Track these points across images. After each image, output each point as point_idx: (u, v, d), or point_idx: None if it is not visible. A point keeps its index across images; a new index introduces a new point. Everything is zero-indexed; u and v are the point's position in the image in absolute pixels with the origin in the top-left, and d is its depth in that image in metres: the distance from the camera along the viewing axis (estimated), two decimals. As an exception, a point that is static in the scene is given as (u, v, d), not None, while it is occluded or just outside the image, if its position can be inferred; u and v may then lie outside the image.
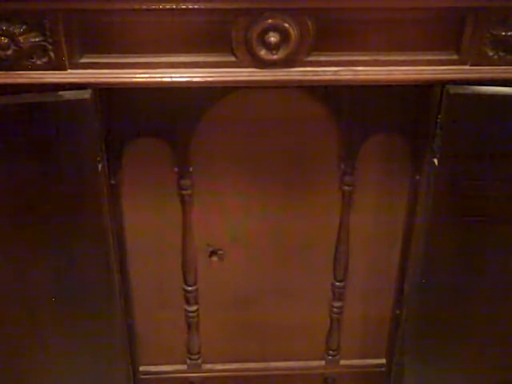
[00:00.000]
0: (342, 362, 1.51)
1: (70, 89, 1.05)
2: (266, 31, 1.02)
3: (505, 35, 1.03)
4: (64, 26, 1.00)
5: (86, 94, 1.05)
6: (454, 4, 1.01)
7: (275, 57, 1.04)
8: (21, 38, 1.00)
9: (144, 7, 0.99)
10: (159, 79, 1.06)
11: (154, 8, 1.00)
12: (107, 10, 1.00)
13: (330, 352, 1.50)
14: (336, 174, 1.25)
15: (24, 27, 1.00)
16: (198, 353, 1.48)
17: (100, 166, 1.12)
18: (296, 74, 1.06)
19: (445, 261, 1.23)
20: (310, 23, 1.02)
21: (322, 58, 1.06)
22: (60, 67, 1.03)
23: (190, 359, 1.49)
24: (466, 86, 1.07)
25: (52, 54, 1.02)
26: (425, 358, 1.36)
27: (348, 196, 1.27)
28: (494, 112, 1.09)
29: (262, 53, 1.04)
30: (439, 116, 1.10)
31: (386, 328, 1.46)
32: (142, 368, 1.49)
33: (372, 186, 1.28)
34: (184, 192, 1.25)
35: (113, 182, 1.21)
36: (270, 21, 1.01)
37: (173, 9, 1.00)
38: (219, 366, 1.51)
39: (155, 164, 1.23)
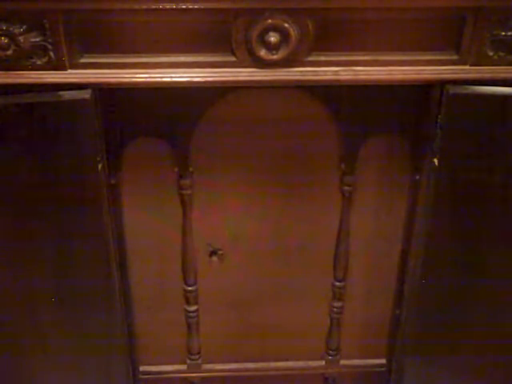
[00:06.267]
0: (342, 361, 1.51)
1: (70, 89, 1.05)
2: (266, 31, 1.02)
3: (505, 35, 1.03)
4: (64, 26, 1.00)
5: (86, 94, 1.05)
6: (454, 4, 1.01)
7: (275, 57, 1.04)
8: (21, 38, 1.00)
9: (144, 7, 0.99)
10: (159, 79, 1.06)
11: (153, 8, 1.00)
12: (107, 10, 1.00)
13: (330, 352, 1.50)
14: (336, 174, 1.25)
15: (24, 27, 1.00)
16: (198, 353, 1.48)
17: (100, 166, 1.12)
18: (296, 74, 1.06)
19: (445, 261, 1.23)
20: (309, 23, 1.02)
21: (322, 58, 1.06)
22: (60, 67, 1.03)
23: (190, 359, 1.49)
24: (466, 86, 1.07)
25: (52, 54, 1.02)
26: (425, 358, 1.36)
27: (348, 196, 1.27)
28: (494, 112, 1.09)
29: (262, 53, 1.04)
30: (439, 116, 1.10)
31: (386, 328, 1.46)
32: (142, 368, 1.49)
33: (372, 186, 1.28)
34: (184, 192, 1.25)
35: (113, 181, 1.21)
36: (269, 21, 1.01)
37: (173, 9, 1.00)
38: (219, 366, 1.51)
39: (155, 164, 1.23)
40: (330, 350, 1.49)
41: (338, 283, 1.39)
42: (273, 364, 1.51)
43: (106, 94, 1.10)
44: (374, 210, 1.31)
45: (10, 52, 1.01)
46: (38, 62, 1.03)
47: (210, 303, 1.41)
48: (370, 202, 1.29)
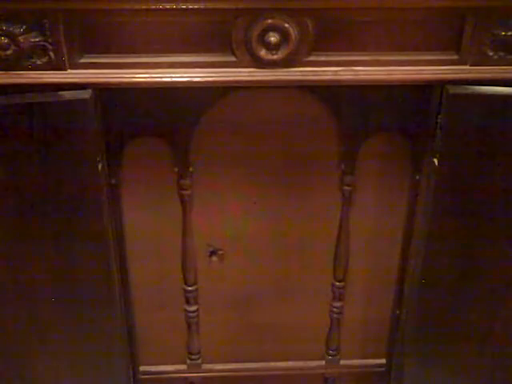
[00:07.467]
0: (342, 362, 1.51)
1: (70, 89, 1.05)
2: (265, 31, 1.02)
3: (505, 35, 1.03)
4: (64, 26, 1.00)
5: (86, 94, 1.05)
6: (454, 4, 1.01)
7: (275, 57, 1.04)
8: (21, 38, 1.00)
9: (144, 7, 1.00)
10: (159, 79, 1.06)
11: (153, 8, 1.00)
12: (107, 10, 1.00)
13: (330, 352, 1.50)
14: (336, 174, 1.25)
15: (24, 27, 1.00)
16: (198, 353, 1.48)
17: (100, 166, 1.12)
18: (296, 74, 1.06)
19: (445, 261, 1.23)
20: (309, 23, 1.02)
21: (322, 58, 1.06)
22: (60, 67, 1.04)
23: (190, 359, 1.49)
24: (466, 86, 1.07)
25: (52, 54, 1.02)
26: (425, 358, 1.36)
27: (348, 196, 1.27)
28: (494, 112, 1.09)
29: (262, 53, 1.04)
30: (439, 116, 1.10)
31: (386, 328, 1.46)
32: (142, 368, 1.49)
33: (372, 186, 1.28)
34: (184, 192, 1.25)
35: (113, 181, 1.21)
36: (269, 21, 1.01)
37: (173, 9, 1.00)
38: (219, 366, 1.51)
39: (155, 164, 1.23)
40: (330, 350, 1.49)
41: (338, 283, 1.39)
42: (273, 364, 1.51)
43: (106, 94, 1.10)
44: (374, 210, 1.31)
45: (10, 52, 1.01)
46: (38, 62, 1.03)
47: (210, 303, 1.41)
48: (369, 202, 1.29)
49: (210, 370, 1.51)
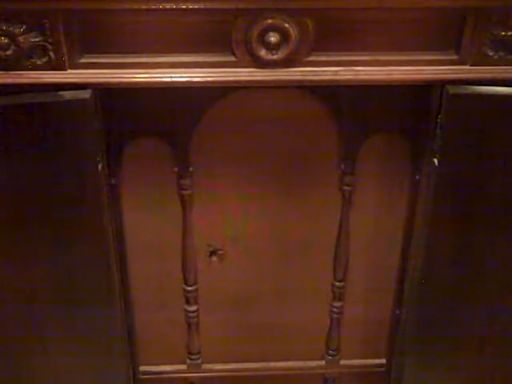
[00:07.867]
0: (342, 361, 1.51)
1: (70, 89, 1.05)
2: (265, 31, 1.02)
3: (505, 35, 1.03)
4: (64, 26, 1.00)
5: (86, 94, 1.05)
6: (454, 4, 1.01)
7: (275, 57, 1.04)
8: (21, 38, 1.00)
9: (144, 7, 1.00)
10: (159, 79, 1.06)
11: (153, 8, 1.00)
12: (107, 10, 1.00)
13: (330, 352, 1.50)
14: (336, 173, 1.25)
15: (24, 27, 1.00)
16: (198, 353, 1.48)
17: (100, 166, 1.12)
18: (296, 73, 1.06)
19: (445, 261, 1.23)
20: (309, 23, 1.02)
21: (322, 58, 1.06)
22: (60, 67, 1.03)
23: (190, 359, 1.49)
24: (466, 86, 1.07)
25: (52, 54, 1.02)
26: (425, 358, 1.36)
27: (348, 196, 1.27)
28: (494, 112, 1.09)
29: (262, 53, 1.04)
30: (439, 116, 1.10)
31: (386, 328, 1.46)
32: (142, 368, 1.49)
33: (372, 186, 1.28)
34: (184, 192, 1.26)
35: (113, 181, 1.21)
36: (269, 21, 1.01)
37: (173, 9, 1.00)
38: (219, 366, 1.51)
39: (155, 164, 1.23)
40: (330, 350, 1.50)
41: (338, 283, 1.39)
42: (273, 364, 1.51)
43: (106, 93, 1.10)
44: (374, 210, 1.31)
45: (10, 52, 1.01)
46: (38, 62, 1.03)
47: (210, 303, 1.41)
48: (369, 202, 1.30)
49: (210, 370, 1.51)
